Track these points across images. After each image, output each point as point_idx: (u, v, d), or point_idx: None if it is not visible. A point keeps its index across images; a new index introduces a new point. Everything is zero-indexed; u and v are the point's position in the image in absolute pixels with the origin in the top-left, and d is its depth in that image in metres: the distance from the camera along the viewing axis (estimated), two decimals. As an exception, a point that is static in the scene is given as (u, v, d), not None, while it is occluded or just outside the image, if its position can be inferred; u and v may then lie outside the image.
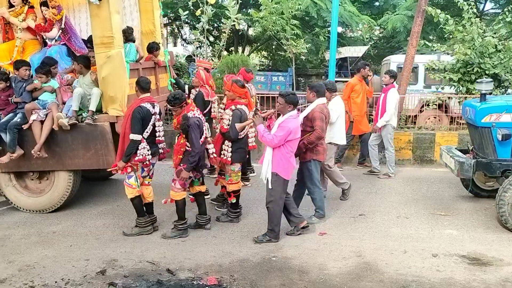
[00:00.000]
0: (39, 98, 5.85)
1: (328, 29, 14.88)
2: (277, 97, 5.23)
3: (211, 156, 5.45)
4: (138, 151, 5.14)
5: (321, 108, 5.52)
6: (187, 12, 10.49)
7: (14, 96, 5.96)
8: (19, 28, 6.33)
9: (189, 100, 6.35)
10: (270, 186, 5.03)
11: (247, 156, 6.80)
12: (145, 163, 5.23)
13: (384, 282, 4.29)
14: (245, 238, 5.31)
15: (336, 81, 11.34)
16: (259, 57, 24.49)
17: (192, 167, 5.15)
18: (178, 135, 5.30)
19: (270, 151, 5.00)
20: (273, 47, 19.88)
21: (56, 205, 6.15)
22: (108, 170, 5.39)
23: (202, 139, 5.23)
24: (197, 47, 10.66)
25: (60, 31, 6.28)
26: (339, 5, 11.86)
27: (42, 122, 5.75)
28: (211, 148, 5.44)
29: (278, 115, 5.29)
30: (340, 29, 17.29)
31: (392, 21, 15.14)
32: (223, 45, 10.61)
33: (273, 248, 5.03)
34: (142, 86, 5.30)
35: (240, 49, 20.06)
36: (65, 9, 6.37)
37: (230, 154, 5.52)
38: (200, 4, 9.44)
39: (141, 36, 7.56)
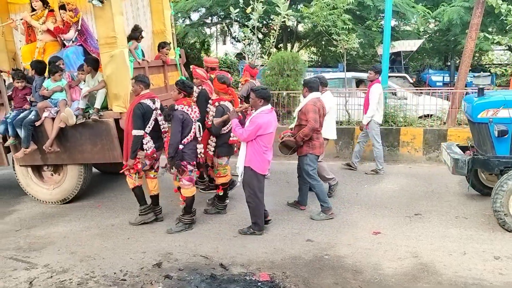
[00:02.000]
0: (51, 97, 6.16)
1: (381, 22, 14.50)
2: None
3: (198, 156, 5.49)
4: (145, 145, 5.37)
5: (314, 101, 5.65)
6: (237, 10, 10.54)
7: (31, 95, 6.35)
8: (40, 31, 6.67)
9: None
10: (243, 180, 5.16)
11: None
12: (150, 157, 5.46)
13: (442, 284, 4.14)
14: (297, 235, 5.30)
15: (389, 77, 11.01)
16: (309, 53, 24.29)
17: (169, 157, 5.22)
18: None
19: (244, 146, 5.13)
20: (323, 43, 19.62)
21: (69, 197, 6.56)
22: (120, 171, 5.62)
23: (189, 137, 5.27)
24: (246, 45, 10.70)
25: (77, 32, 6.54)
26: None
27: (53, 119, 6.09)
28: (200, 148, 5.49)
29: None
30: (393, 23, 16.80)
31: (448, 13, 14.53)
32: (273, 42, 10.58)
33: (325, 246, 4.98)
34: (144, 81, 5.46)
35: (289, 45, 19.96)
36: (82, 11, 6.59)
37: (213, 148, 5.75)
38: (251, 2, 9.45)
39: (152, 35, 7.74)
